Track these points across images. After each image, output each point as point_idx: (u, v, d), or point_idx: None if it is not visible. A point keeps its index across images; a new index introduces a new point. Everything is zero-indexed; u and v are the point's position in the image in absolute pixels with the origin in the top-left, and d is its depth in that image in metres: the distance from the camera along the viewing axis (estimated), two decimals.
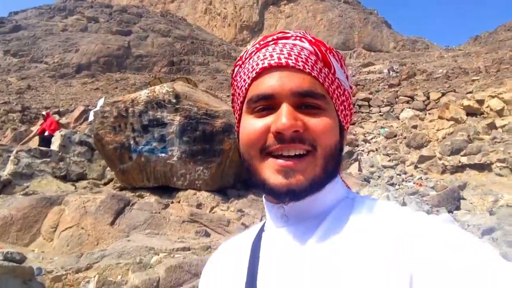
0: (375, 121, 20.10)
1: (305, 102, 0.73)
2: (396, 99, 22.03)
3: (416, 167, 13.45)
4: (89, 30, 56.69)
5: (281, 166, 0.71)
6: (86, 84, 40.87)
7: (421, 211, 0.74)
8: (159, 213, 6.37)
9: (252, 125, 0.75)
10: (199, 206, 7.46)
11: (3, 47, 49.80)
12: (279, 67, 0.74)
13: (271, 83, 0.74)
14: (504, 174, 11.52)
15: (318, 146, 0.72)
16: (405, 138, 15.94)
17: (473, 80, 23.63)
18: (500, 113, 14.79)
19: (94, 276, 4.48)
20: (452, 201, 9.03)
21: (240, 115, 0.82)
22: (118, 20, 58.90)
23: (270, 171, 0.72)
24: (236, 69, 0.84)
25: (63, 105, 30.14)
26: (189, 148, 7.89)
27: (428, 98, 20.76)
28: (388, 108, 21.38)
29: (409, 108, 20.45)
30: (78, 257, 4.86)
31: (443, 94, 20.26)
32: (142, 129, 7.97)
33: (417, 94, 21.65)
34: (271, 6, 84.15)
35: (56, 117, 19.87)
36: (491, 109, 15.11)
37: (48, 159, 9.59)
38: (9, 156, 9.92)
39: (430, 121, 16.45)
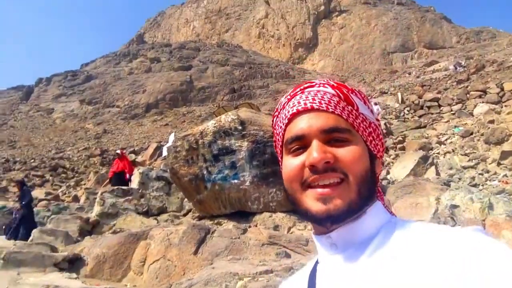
0: (448, 121, 19.18)
1: (332, 137, 0.84)
2: (467, 95, 20.94)
3: (499, 164, 12.61)
4: (153, 70, 59.77)
5: (320, 194, 0.81)
6: (156, 121, 42.94)
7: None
8: (239, 238, 6.50)
9: (290, 164, 0.86)
10: (276, 228, 7.51)
11: (79, 97, 53.95)
12: (306, 110, 0.87)
13: (301, 125, 0.86)
14: None
15: (349, 174, 0.82)
16: (482, 135, 15.05)
17: None
18: None
19: None
20: None
21: (281, 158, 0.94)
22: (178, 57, 61.66)
23: (311, 201, 0.82)
24: (274, 119, 0.98)
25: (137, 144, 31.83)
26: (259, 172, 8.01)
27: (502, 89, 19.51)
28: (459, 105, 20.34)
29: (483, 102, 19.34)
30: (168, 287, 5.07)
31: None
32: (213, 158, 8.22)
33: (489, 87, 20.44)
34: (323, 20, 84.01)
35: (132, 156, 21.00)
36: None
37: (130, 197, 10.17)
38: (95, 198, 10.66)
39: (508, 113, 15.42)
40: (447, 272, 0.69)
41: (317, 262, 0.92)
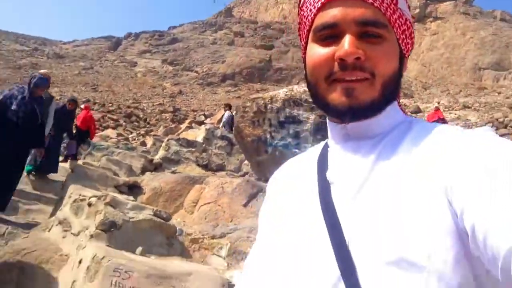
0: None
1: (367, 31, 0.77)
2: None
3: None
4: (236, 44, 60.61)
5: (344, 87, 0.76)
6: (230, 92, 43.75)
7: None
8: None
9: (317, 53, 0.80)
10: None
11: (162, 56, 56.13)
12: None
13: (334, 12, 0.77)
14: None
15: (377, 75, 0.76)
16: None
17: None
18: None
19: (226, 244, 4.84)
20: None
21: (306, 43, 0.87)
22: (262, 35, 61.96)
23: (334, 93, 0.78)
24: None
25: (208, 109, 32.68)
26: None
27: None
28: None
29: None
30: (214, 226, 5.29)
31: None
32: (278, 124, 8.31)
33: None
34: (416, 24, 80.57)
35: (202, 118, 21.52)
36: None
37: (193, 149, 10.55)
38: (161, 145, 11.18)
39: None
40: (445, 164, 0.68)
41: (326, 146, 0.90)
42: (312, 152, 0.94)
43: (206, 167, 10.25)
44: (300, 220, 0.80)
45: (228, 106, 15.34)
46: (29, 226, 5.26)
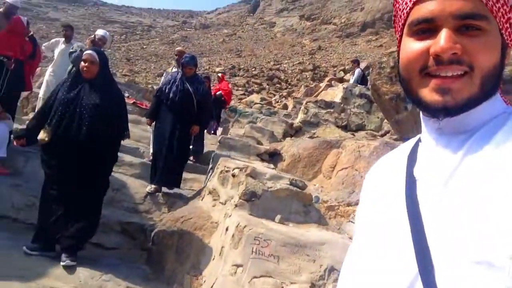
0: None
1: (465, 24, 0.73)
2: None
3: None
4: None
5: (438, 84, 0.74)
6: (370, 42, 41.88)
7: None
8: None
9: (412, 48, 0.78)
10: None
11: (299, 12, 55.88)
12: None
13: (431, 6, 0.75)
14: None
15: (475, 68, 0.73)
16: None
17: None
18: None
19: None
20: None
21: (400, 36, 0.85)
22: None
23: (427, 90, 0.76)
24: None
25: (348, 63, 31.89)
26: None
27: None
28: None
29: None
30: (350, 193, 5.39)
31: None
32: None
33: None
34: None
35: (342, 74, 21.19)
36: None
37: (332, 110, 10.58)
38: (301, 107, 11.45)
39: None
40: None
41: (419, 141, 0.90)
42: (407, 145, 0.93)
43: (345, 128, 10.23)
44: (386, 216, 0.83)
45: (356, 63, 14.70)
46: (187, 195, 6.03)
